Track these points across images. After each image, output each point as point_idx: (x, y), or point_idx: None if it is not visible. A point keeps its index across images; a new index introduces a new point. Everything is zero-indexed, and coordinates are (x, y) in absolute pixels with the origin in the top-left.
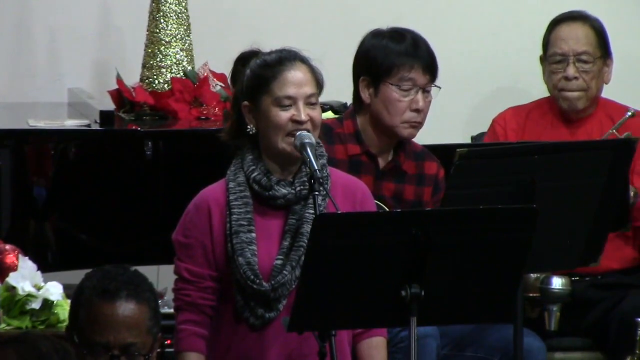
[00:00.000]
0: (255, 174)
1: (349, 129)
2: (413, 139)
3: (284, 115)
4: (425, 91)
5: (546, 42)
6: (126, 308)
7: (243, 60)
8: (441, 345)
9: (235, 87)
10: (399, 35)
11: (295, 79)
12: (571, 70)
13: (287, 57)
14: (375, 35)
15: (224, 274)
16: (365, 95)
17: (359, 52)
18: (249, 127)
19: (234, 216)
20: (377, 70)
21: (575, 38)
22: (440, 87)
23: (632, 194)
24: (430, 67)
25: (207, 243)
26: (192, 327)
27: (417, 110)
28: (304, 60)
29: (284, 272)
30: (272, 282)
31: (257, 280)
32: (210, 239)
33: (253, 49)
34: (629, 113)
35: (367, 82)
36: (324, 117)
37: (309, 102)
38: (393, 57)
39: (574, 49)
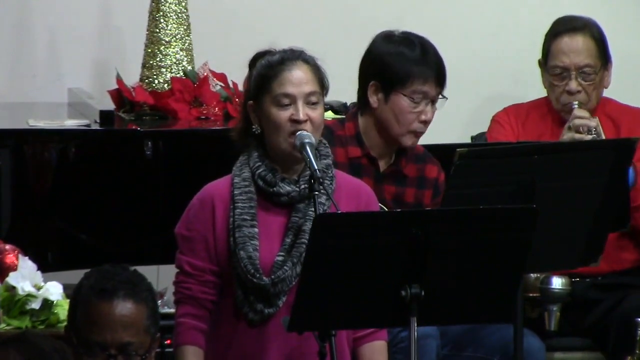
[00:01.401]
0: (261, 170)
1: (350, 131)
2: None
3: (283, 114)
4: (433, 102)
5: (546, 52)
6: (123, 307)
7: (255, 60)
8: (441, 345)
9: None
10: (414, 46)
11: (294, 78)
12: (574, 85)
13: (289, 57)
14: (388, 41)
15: (225, 269)
16: (373, 99)
17: (371, 55)
18: (254, 126)
19: (238, 210)
20: (390, 78)
21: (577, 51)
22: (447, 98)
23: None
24: (442, 80)
25: (209, 237)
26: (191, 320)
27: (425, 122)
28: (306, 60)
29: (285, 267)
30: (273, 277)
31: (258, 275)
32: (212, 233)
33: (267, 49)
34: (575, 104)
35: (376, 87)
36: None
37: (309, 102)
38: (408, 70)
39: (575, 63)
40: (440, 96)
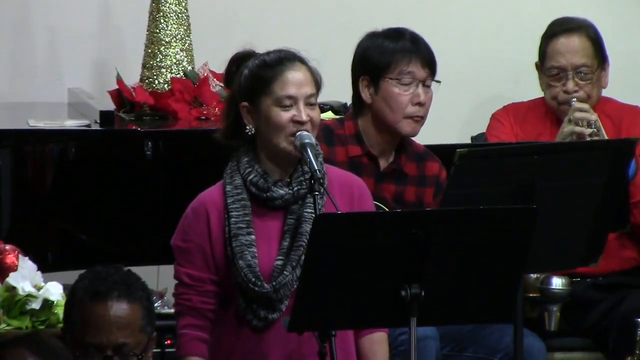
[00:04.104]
0: (252, 176)
1: (349, 130)
2: (415, 140)
3: (285, 115)
4: (426, 86)
5: (543, 54)
6: (118, 308)
7: (237, 61)
8: (441, 345)
9: (230, 89)
10: (396, 33)
11: (295, 79)
12: (571, 85)
13: (286, 57)
14: (371, 36)
15: (224, 277)
16: (365, 95)
17: (356, 54)
18: (247, 128)
19: (233, 219)
20: (375, 67)
21: (573, 51)
22: (440, 82)
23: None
24: (429, 61)
25: (206, 247)
26: (193, 331)
27: (419, 104)
28: (303, 61)
29: (285, 272)
30: (274, 283)
31: (259, 283)
32: (209, 242)
33: (247, 50)
34: (573, 101)
35: (366, 82)
36: (324, 117)
37: (309, 103)
38: (390, 53)
39: (572, 63)
40: (433, 80)
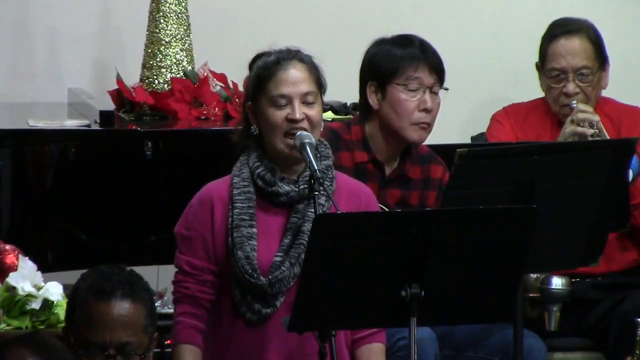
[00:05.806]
0: (260, 169)
1: (356, 135)
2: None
3: (279, 114)
4: (433, 92)
5: (543, 55)
6: (121, 307)
7: (254, 62)
8: (442, 346)
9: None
10: (404, 40)
11: (290, 77)
12: (571, 87)
13: (284, 57)
14: (379, 42)
15: (223, 269)
16: (373, 100)
17: (364, 59)
18: (252, 127)
19: (236, 210)
20: (382, 73)
21: (574, 53)
22: (447, 89)
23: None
24: (436, 67)
25: (208, 237)
26: (189, 319)
27: (426, 110)
28: (302, 59)
29: (283, 268)
30: (270, 277)
31: (255, 275)
32: (211, 233)
33: (269, 50)
34: (574, 103)
35: (374, 87)
36: (324, 117)
37: (306, 101)
38: (398, 59)
39: (572, 65)
40: (440, 88)
